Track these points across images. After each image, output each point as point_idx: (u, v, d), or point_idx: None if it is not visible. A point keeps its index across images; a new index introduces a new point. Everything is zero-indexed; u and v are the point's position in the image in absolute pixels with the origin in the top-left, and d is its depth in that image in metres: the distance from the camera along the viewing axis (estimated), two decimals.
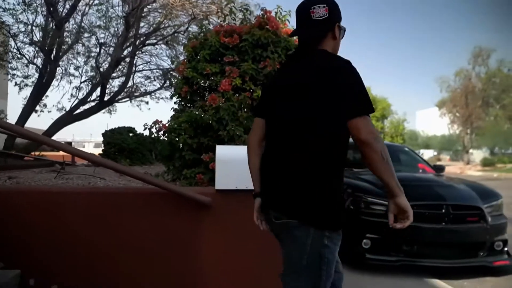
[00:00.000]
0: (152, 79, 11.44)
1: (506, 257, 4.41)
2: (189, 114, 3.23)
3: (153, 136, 3.70)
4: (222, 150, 2.80)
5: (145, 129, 3.60)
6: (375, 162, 1.48)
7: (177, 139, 3.23)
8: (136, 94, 11.37)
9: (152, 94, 11.47)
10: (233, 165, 2.75)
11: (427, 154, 53.64)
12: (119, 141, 7.28)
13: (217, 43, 3.41)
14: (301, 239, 1.52)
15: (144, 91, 11.52)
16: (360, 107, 1.48)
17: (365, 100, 1.50)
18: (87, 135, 46.89)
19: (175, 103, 3.79)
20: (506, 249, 4.47)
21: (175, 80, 7.03)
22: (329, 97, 1.51)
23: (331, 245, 1.54)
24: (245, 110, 3.19)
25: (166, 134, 3.43)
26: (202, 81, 3.45)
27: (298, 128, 1.57)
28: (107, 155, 7.11)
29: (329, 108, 1.52)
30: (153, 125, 3.54)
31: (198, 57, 3.52)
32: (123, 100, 11.12)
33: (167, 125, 3.46)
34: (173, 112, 3.73)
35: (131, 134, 7.85)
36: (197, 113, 3.23)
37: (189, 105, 3.59)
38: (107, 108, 10.90)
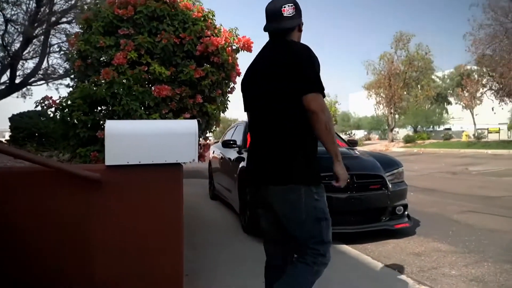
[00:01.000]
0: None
1: (406, 220, 4.75)
2: (82, 89, 3.08)
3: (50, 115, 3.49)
4: (112, 124, 2.70)
5: (36, 106, 3.37)
6: (319, 130, 1.82)
7: (70, 116, 3.07)
8: (53, 76, 10.67)
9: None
10: (124, 139, 2.67)
11: (359, 134, 56.34)
12: (28, 126, 6.81)
13: (111, 15, 3.26)
14: (296, 200, 1.84)
15: (62, 72, 10.84)
16: (316, 86, 1.83)
17: (319, 81, 1.86)
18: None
19: (71, 79, 3.59)
20: (406, 213, 4.81)
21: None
22: (294, 77, 1.84)
23: (319, 198, 1.97)
24: (141, 84, 3.10)
25: (58, 112, 3.24)
26: (96, 54, 3.29)
27: (275, 107, 1.88)
28: (14, 141, 6.63)
29: (295, 85, 1.84)
30: (41, 101, 3.32)
31: (92, 29, 3.35)
32: (39, 83, 10.40)
33: (57, 101, 3.27)
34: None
35: (43, 119, 7.35)
36: (91, 88, 3.09)
37: (83, 80, 3.42)
38: (20, 91, 10.14)
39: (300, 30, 2.09)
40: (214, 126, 3.68)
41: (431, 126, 52.77)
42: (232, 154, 5.90)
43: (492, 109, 27.87)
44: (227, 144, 5.92)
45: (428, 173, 12.59)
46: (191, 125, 2.79)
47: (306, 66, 1.86)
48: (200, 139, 3.81)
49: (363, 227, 4.44)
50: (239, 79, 4.50)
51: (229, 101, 3.68)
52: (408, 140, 32.29)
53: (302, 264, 1.95)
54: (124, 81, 3.02)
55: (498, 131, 38.09)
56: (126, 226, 2.76)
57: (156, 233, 2.81)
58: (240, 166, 5.30)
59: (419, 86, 35.90)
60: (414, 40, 35.45)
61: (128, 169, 2.70)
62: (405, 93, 35.79)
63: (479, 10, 26.28)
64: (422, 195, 7.97)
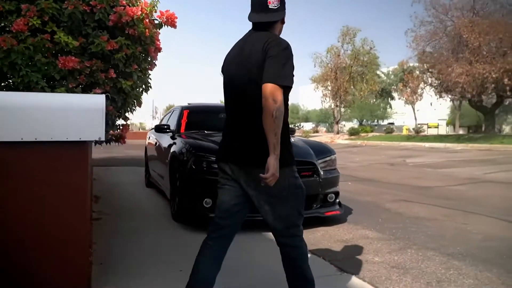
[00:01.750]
0: None
1: (337, 208, 4.73)
2: None
3: None
4: (1, 96, 2.39)
5: None
6: (265, 119, 1.84)
7: None
8: None
9: None
10: (16, 113, 2.36)
11: (307, 126, 57.40)
12: None
13: None
14: (280, 178, 1.88)
15: None
16: (280, 80, 1.87)
17: (288, 76, 1.92)
18: None
19: None
20: (337, 200, 4.79)
21: None
22: (269, 67, 1.90)
23: (297, 175, 2.13)
24: (44, 55, 2.76)
25: None
26: None
27: (255, 94, 1.91)
28: None
29: (265, 73, 1.90)
30: None
31: None
32: None
33: None
34: None
35: None
36: None
37: None
38: None
39: (283, 22, 2.16)
40: (135, 106, 3.42)
41: (376, 120, 54.80)
42: (165, 139, 5.62)
43: (431, 104, 29.35)
44: (160, 129, 5.64)
45: (368, 164, 12.92)
46: (98, 100, 2.52)
47: (281, 60, 1.92)
48: (119, 119, 3.53)
49: None
50: (162, 56, 4.23)
51: (151, 78, 3.43)
52: (352, 132, 33.22)
53: (295, 259, 2.18)
54: (25, 50, 2.67)
55: (437, 126, 40.19)
56: (19, 213, 2.46)
57: (56, 220, 2.52)
58: (171, 151, 5.05)
59: (364, 80, 36.93)
60: (360, 35, 36.44)
61: (21, 147, 2.40)
62: (352, 87, 36.73)
63: (421, 7, 27.43)
64: (360, 185, 8.10)
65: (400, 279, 2.97)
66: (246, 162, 2.02)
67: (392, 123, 50.20)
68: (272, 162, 1.84)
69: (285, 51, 1.96)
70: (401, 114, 52.03)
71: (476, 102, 23.46)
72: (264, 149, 1.87)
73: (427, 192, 7.21)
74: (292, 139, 5.15)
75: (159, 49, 3.21)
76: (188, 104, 6.49)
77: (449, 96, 24.61)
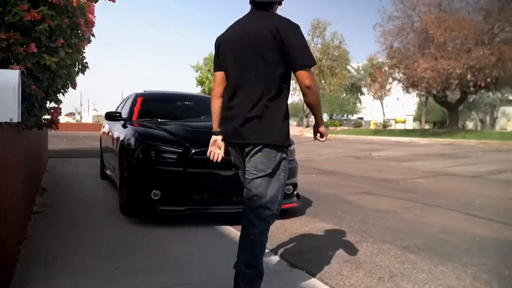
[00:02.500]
0: None
1: (295, 200, 4.54)
2: None
3: None
4: None
5: None
6: (313, 99, 2.06)
7: None
8: None
9: None
10: None
11: None
12: None
13: None
14: (270, 155, 2.05)
15: None
16: (309, 60, 2.02)
17: (311, 55, 2.05)
18: None
19: None
20: (295, 192, 4.61)
21: None
22: (288, 49, 1.99)
23: (286, 157, 2.16)
24: None
25: None
26: None
27: (261, 72, 2.04)
28: None
29: (286, 57, 2.01)
30: None
31: None
32: None
33: None
34: None
35: None
36: None
37: None
38: None
39: (280, 3, 2.21)
40: (68, 87, 3.09)
41: (346, 115, 55.45)
42: (117, 128, 5.28)
43: (398, 99, 29.81)
44: (111, 116, 5.30)
45: (334, 157, 12.89)
46: (10, 76, 2.20)
47: (300, 42, 2.04)
48: (51, 102, 3.19)
49: (231, 208, 4.11)
50: (97, 30, 3.88)
51: (85, 57, 3.11)
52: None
53: (258, 236, 2.17)
54: None
55: (404, 122, 41.03)
56: None
57: None
58: (120, 140, 4.73)
59: (333, 74, 37.10)
60: (330, 29, 36.56)
61: None
62: (322, 81, 36.89)
63: (389, 2, 27.67)
64: (323, 177, 8.00)
65: (351, 274, 2.79)
66: (248, 136, 2.09)
67: (362, 118, 50.93)
68: (324, 129, 2.26)
69: (300, 31, 2.08)
70: (370, 109, 52.77)
71: (440, 97, 23.98)
72: (266, 123, 2.05)
73: (390, 184, 7.16)
74: None
75: (91, 23, 2.89)
76: (144, 91, 6.15)
77: (415, 91, 25.07)
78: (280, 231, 3.89)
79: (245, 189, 2.24)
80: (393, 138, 22.89)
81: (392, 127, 35.56)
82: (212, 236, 3.74)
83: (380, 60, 33.02)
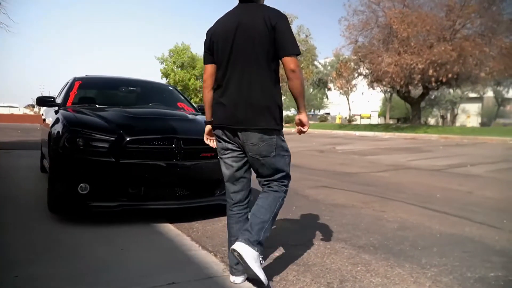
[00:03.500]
0: None
1: None
2: None
3: None
4: None
5: None
6: (298, 86, 2.17)
7: None
8: None
9: None
10: None
11: None
12: None
13: None
14: (271, 140, 2.20)
15: None
16: (296, 49, 2.18)
17: (297, 45, 2.22)
18: None
19: None
20: None
21: None
22: (278, 36, 2.14)
23: (284, 138, 2.31)
24: None
25: None
26: None
27: (259, 65, 2.18)
28: None
29: (274, 44, 2.15)
30: None
31: None
32: None
33: None
34: None
35: None
36: None
37: None
38: None
39: None
40: None
41: (312, 110, 55.76)
42: (51, 114, 4.72)
43: (362, 94, 30.01)
44: (42, 101, 4.73)
45: (298, 151, 12.58)
46: None
47: (289, 31, 2.17)
48: None
49: (191, 202, 3.71)
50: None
51: None
52: (287, 120, 33.25)
53: (274, 193, 2.30)
54: None
55: (369, 117, 41.64)
56: None
57: None
58: (50, 127, 4.18)
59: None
60: (296, 22, 36.29)
61: None
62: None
63: None
64: None
65: (297, 279, 2.43)
66: (249, 122, 2.18)
67: (328, 113, 51.34)
68: (305, 118, 2.26)
69: (288, 21, 2.21)
70: (337, 104, 53.28)
71: (404, 93, 24.25)
72: (264, 110, 2.17)
73: (350, 178, 6.91)
74: (197, 117, 4.50)
75: None
76: (86, 75, 5.58)
77: (380, 86, 25.26)
78: (225, 230, 3.47)
79: (258, 169, 2.31)
80: (358, 133, 22.97)
81: (358, 122, 35.93)
82: (147, 235, 3.29)
83: (346, 56, 33.25)
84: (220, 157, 2.41)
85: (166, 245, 3.06)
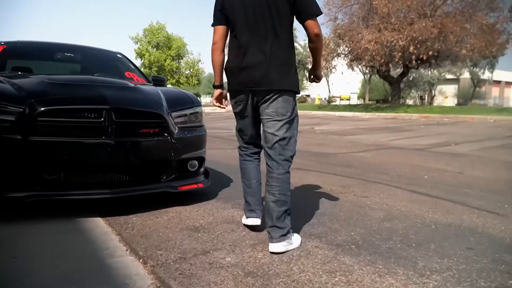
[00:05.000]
0: None
1: (201, 179, 3.42)
2: None
3: None
4: None
5: None
6: (319, 45, 2.28)
7: None
8: None
9: None
10: None
11: None
12: None
13: None
14: (289, 101, 2.27)
15: None
16: (318, 9, 2.22)
17: (318, 5, 2.24)
18: None
19: None
20: (202, 169, 3.49)
21: None
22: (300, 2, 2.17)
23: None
24: None
25: None
26: None
27: (279, 23, 2.19)
28: None
29: (295, 7, 2.18)
30: None
31: None
32: None
33: None
34: None
35: None
36: None
37: None
38: None
39: None
40: None
41: None
42: None
43: (342, 73, 29.38)
44: None
45: None
46: None
47: None
48: None
49: (128, 191, 2.94)
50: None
51: None
52: None
53: (285, 176, 2.32)
54: None
55: (348, 99, 41.21)
56: None
57: None
58: None
59: None
60: None
61: None
62: None
63: None
64: None
65: None
66: (276, 83, 2.21)
67: (308, 95, 50.78)
68: (321, 73, 2.53)
69: None
70: (316, 86, 52.68)
71: (384, 72, 23.69)
72: (289, 72, 2.24)
73: (328, 159, 6.26)
74: (144, 86, 3.71)
75: None
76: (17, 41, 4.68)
77: (360, 65, 24.58)
78: (172, 224, 2.76)
79: (265, 136, 2.33)
80: (337, 113, 22.39)
81: (336, 103, 35.44)
82: (62, 235, 2.53)
83: (325, 36, 32.36)
84: (237, 117, 2.50)
85: (83, 249, 2.32)
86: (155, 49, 42.74)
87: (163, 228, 2.66)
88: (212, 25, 2.37)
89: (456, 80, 46.41)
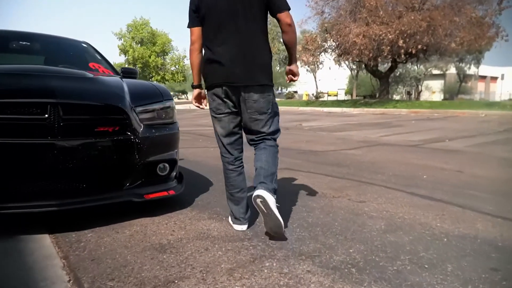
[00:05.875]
0: None
1: (173, 186, 2.93)
2: None
3: None
4: None
5: None
6: (292, 38, 2.34)
7: None
8: None
9: None
10: None
11: None
12: None
13: None
14: (269, 96, 2.34)
15: None
16: (287, 5, 2.28)
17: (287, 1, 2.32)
18: None
19: None
20: (174, 173, 3.00)
21: None
22: None
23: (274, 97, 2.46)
24: None
25: None
26: None
27: (253, 18, 2.26)
28: None
29: (268, 2, 2.26)
30: None
31: None
32: None
33: None
34: None
35: None
36: None
37: None
38: None
39: None
40: None
41: (279, 88, 54.76)
42: None
43: (330, 68, 28.98)
44: None
45: None
46: None
47: None
48: None
49: (80, 202, 2.45)
50: None
51: None
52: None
53: (271, 148, 2.42)
54: None
55: (336, 95, 40.97)
56: None
57: None
58: None
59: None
60: None
61: None
62: None
63: None
64: None
65: None
66: (252, 79, 2.26)
67: (296, 92, 50.47)
68: (297, 68, 2.51)
69: None
70: (303, 83, 52.53)
71: (372, 66, 23.34)
72: (264, 67, 2.33)
73: (318, 157, 5.82)
74: (105, 77, 3.21)
75: None
76: None
77: (347, 60, 24.17)
78: (133, 242, 2.28)
79: (252, 126, 2.39)
80: (325, 109, 21.99)
81: (324, 99, 35.15)
82: (13, 250, 2.03)
83: (312, 31, 31.95)
84: (215, 116, 2.44)
85: (10, 281, 1.82)
86: (139, 45, 41.88)
87: (122, 248, 2.18)
88: (188, 27, 2.39)
89: (442, 76, 46.56)
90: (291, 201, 3.21)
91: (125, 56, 41.25)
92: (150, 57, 41.14)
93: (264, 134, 2.39)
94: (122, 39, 42.26)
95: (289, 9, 2.26)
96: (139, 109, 2.72)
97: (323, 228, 2.55)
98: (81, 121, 2.41)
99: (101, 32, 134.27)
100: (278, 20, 2.27)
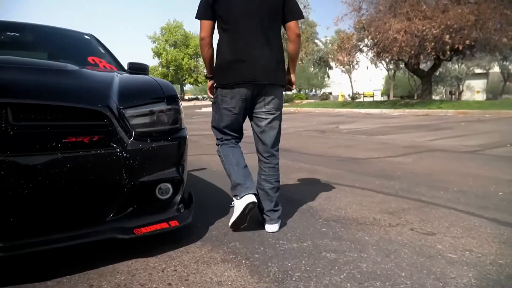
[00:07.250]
0: None
1: (175, 214, 2.18)
2: None
3: None
4: None
5: None
6: (297, 47, 2.43)
7: None
8: None
9: None
10: None
11: None
12: None
13: None
14: (281, 96, 2.47)
15: None
16: (302, 14, 2.40)
17: (301, 10, 2.43)
18: None
19: None
20: (179, 196, 2.26)
21: None
22: (288, 1, 2.34)
23: None
24: None
25: None
26: None
27: (273, 19, 2.33)
28: None
29: (284, 8, 2.33)
30: None
31: None
32: None
33: None
34: None
35: None
36: None
37: None
38: None
39: None
40: None
41: (313, 89, 53.81)
42: None
43: (367, 68, 27.81)
44: None
45: (294, 131, 10.68)
46: None
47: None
48: None
49: (37, 243, 1.75)
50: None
51: None
52: (286, 99, 31.32)
53: (277, 166, 2.55)
54: None
55: (372, 96, 39.57)
56: None
57: None
58: None
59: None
60: None
61: None
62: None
63: None
64: None
65: None
66: (275, 78, 2.35)
67: (330, 93, 49.48)
68: (294, 78, 2.62)
69: None
70: (338, 84, 51.44)
71: (413, 65, 21.98)
72: (282, 67, 2.42)
73: (360, 166, 4.99)
74: (92, 71, 2.52)
75: None
76: None
77: (387, 58, 22.85)
78: None
79: (259, 131, 2.48)
80: (363, 110, 20.87)
81: (361, 100, 33.94)
82: None
83: (348, 30, 30.72)
84: (226, 113, 2.42)
85: None
86: (172, 47, 42.00)
87: None
88: (198, 18, 2.34)
89: (485, 75, 44.20)
90: (331, 233, 2.42)
91: (159, 59, 41.45)
92: (183, 59, 41.17)
93: (271, 149, 2.52)
94: (156, 42, 42.52)
95: (301, 18, 2.40)
96: (130, 111, 2.02)
97: (385, 283, 1.75)
98: (43, 129, 1.73)
99: (137, 35, 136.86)
100: (289, 28, 2.36)
